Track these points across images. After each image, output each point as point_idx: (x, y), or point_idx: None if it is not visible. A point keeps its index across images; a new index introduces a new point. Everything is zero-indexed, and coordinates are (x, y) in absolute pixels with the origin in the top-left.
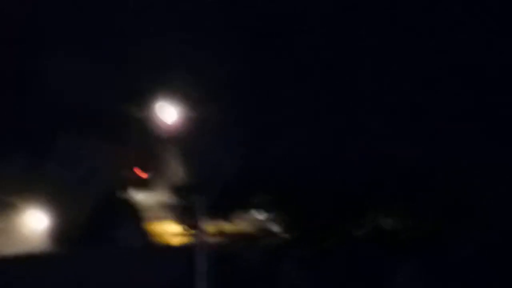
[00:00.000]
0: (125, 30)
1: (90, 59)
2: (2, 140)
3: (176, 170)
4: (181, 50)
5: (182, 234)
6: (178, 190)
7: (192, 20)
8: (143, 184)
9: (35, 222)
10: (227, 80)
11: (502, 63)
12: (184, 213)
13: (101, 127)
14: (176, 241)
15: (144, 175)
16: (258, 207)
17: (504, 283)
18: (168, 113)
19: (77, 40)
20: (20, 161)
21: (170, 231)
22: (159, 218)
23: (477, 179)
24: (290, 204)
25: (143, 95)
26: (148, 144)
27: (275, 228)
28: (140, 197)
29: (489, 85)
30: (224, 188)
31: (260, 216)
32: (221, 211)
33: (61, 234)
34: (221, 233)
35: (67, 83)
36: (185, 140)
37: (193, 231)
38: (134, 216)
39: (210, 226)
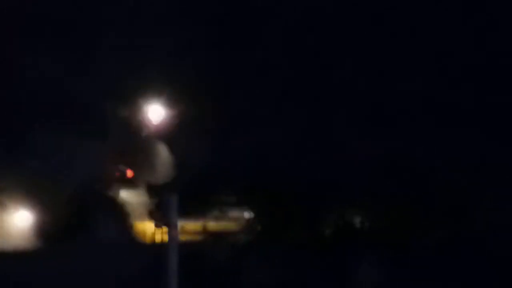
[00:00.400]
0: (110, 26)
1: (70, 55)
2: None
3: (157, 168)
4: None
5: (162, 232)
6: (151, 187)
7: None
8: (127, 182)
9: (18, 219)
10: (198, 77)
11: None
12: (157, 211)
13: (85, 124)
14: (158, 238)
15: (129, 173)
16: (228, 204)
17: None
18: (152, 111)
19: (57, 35)
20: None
21: (153, 229)
22: (142, 216)
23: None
24: (259, 202)
25: (127, 93)
26: (132, 141)
27: (245, 225)
28: (124, 194)
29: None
30: (196, 186)
31: (230, 213)
32: (193, 208)
33: (43, 230)
34: (193, 231)
35: (48, 79)
36: (164, 138)
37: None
38: (117, 213)
39: (183, 224)
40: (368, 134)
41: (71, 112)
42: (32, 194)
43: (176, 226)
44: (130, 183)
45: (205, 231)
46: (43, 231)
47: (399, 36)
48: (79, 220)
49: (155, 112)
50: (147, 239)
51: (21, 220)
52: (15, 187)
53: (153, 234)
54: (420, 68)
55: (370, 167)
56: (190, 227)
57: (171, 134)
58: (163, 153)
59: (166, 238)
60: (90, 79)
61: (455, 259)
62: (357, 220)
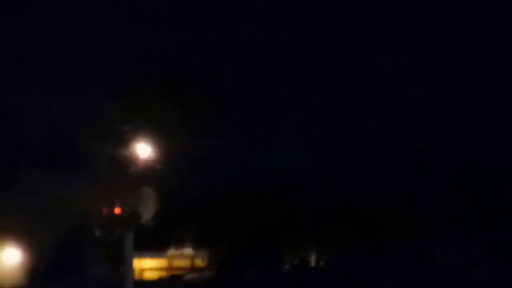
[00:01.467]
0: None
1: (56, 92)
2: None
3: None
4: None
5: (155, 269)
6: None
7: None
8: (114, 219)
9: (7, 256)
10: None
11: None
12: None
13: (74, 161)
14: (148, 275)
15: (116, 210)
16: (183, 242)
17: None
18: (139, 147)
19: (39, 72)
20: None
21: (143, 266)
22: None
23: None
24: (214, 240)
25: (115, 130)
26: (120, 178)
27: (201, 263)
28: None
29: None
30: (152, 223)
31: (185, 251)
32: (149, 246)
33: (31, 268)
34: (149, 269)
35: (32, 115)
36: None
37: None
38: (106, 250)
39: (139, 261)
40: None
41: (59, 149)
42: (21, 231)
43: (131, 262)
44: (118, 220)
45: (170, 268)
46: (32, 268)
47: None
48: (68, 257)
49: (143, 148)
50: (139, 276)
51: (9, 257)
52: (4, 224)
53: (145, 271)
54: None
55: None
56: (155, 263)
57: (157, 170)
58: (148, 190)
59: (160, 274)
60: (77, 116)
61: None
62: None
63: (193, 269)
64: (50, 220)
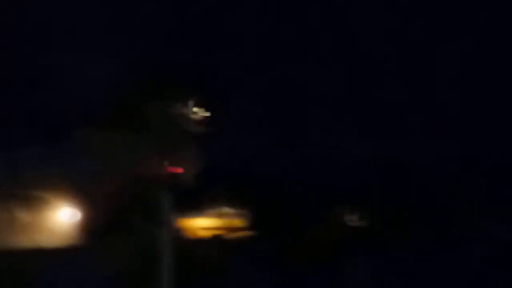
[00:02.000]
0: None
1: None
2: (21, 135)
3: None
4: None
5: (210, 228)
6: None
7: None
8: (172, 179)
9: (63, 216)
10: None
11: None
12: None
13: (130, 121)
14: (203, 234)
15: (177, 169)
16: (224, 202)
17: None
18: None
19: (99, 33)
20: (42, 156)
21: (199, 225)
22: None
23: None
24: (253, 200)
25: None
26: (177, 138)
27: (240, 223)
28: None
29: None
30: (191, 184)
31: (225, 211)
32: (188, 206)
33: (88, 227)
34: (188, 229)
35: (89, 76)
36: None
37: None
38: (161, 210)
39: (178, 222)
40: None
41: (115, 109)
42: (77, 190)
43: (170, 223)
44: (176, 180)
45: (201, 230)
46: (88, 228)
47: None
48: (123, 217)
49: (199, 108)
50: (192, 235)
51: (65, 217)
52: (60, 183)
53: (198, 229)
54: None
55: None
56: (187, 224)
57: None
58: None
59: (211, 233)
60: (131, 74)
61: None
62: (352, 221)
63: (236, 229)
64: (105, 180)
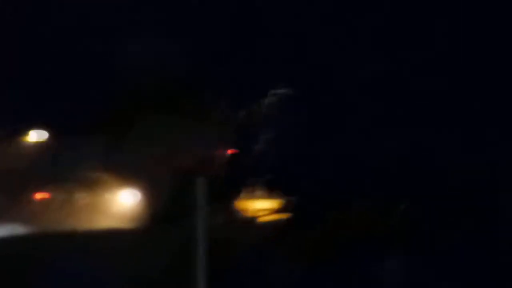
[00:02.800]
0: None
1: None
2: (82, 120)
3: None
4: None
5: (268, 211)
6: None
7: None
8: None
9: (123, 199)
10: None
11: None
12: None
13: (185, 106)
14: (264, 217)
15: (232, 151)
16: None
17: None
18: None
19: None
20: (103, 139)
21: (258, 208)
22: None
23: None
24: (291, 190)
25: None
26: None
27: (277, 212)
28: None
29: None
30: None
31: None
32: (225, 194)
33: (148, 211)
34: (264, 210)
35: (147, 62)
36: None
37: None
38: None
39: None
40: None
41: (173, 94)
42: (139, 174)
43: (203, 208)
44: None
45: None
46: (150, 212)
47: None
48: (183, 202)
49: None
50: (256, 218)
51: (126, 199)
52: (121, 166)
53: (262, 212)
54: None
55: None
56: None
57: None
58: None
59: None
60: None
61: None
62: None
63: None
64: (167, 163)
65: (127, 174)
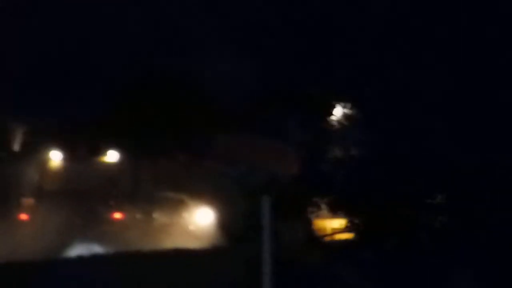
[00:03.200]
0: None
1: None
2: (163, 139)
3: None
4: None
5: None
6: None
7: None
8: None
9: (202, 218)
10: None
11: None
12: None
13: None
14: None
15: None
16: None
17: None
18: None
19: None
20: (182, 159)
21: (331, 227)
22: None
23: None
24: (353, 205)
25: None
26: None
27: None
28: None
29: None
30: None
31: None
32: (288, 211)
33: (225, 229)
34: (288, 234)
35: (222, 82)
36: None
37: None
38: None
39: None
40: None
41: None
42: (213, 193)
43: (269, 228)
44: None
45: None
46: (223, 229)
47: None
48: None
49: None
50: (323, 236)
51: (207, 219)
52: (198, 186)
53: (332, 231)
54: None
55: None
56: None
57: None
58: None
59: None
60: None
61: None
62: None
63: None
64: (244, 184)
65: (202, 194)
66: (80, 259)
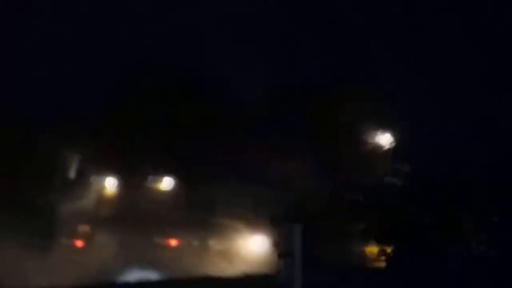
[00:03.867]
0: None
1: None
2: (215, 167)
3: None
4: None
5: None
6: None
7: None
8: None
9: (257, 245)
10: None
11: None
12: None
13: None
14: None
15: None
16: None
17: None
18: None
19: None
20: (232, 184)
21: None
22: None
23: None
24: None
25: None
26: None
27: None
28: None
29: None
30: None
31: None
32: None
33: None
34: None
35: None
36: None
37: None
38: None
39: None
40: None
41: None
42: (267, 219)
43: (299, 255)
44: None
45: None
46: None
47: None
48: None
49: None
50: (369, 263)
51: (257, 245)
52: (250, 213)
53: (377, 257)
54: None
55: None
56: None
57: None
58: None
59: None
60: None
61: None
62: None
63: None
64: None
65: (257, 221)
66: (136, 284)
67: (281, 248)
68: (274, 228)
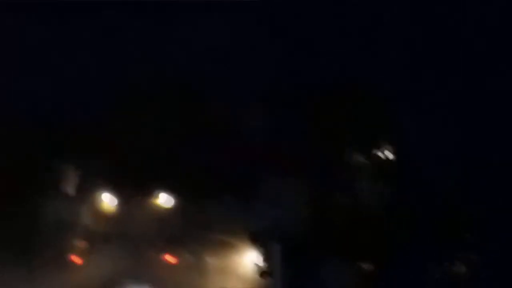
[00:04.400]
0: None
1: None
2: (214, 184)
3: None
4: None
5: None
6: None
7: None
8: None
9: (252, 261)
10: None
11: None
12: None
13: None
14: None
15: None
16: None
17: None
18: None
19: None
20: (230, 202)
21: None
22: None
23: None
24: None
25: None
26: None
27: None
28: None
29: None
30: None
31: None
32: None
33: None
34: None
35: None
36: None
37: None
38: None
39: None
40: None
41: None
42: (262, 236)
43: (278, 276)
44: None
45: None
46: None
47: None
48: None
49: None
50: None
51: (252, 261)
52: (246, 229)
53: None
54: None
55: None
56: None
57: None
58: None
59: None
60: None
61: None
62: None
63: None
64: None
65: (254, 237)
66: None
67: (261, 267)
68: (254, 245)
